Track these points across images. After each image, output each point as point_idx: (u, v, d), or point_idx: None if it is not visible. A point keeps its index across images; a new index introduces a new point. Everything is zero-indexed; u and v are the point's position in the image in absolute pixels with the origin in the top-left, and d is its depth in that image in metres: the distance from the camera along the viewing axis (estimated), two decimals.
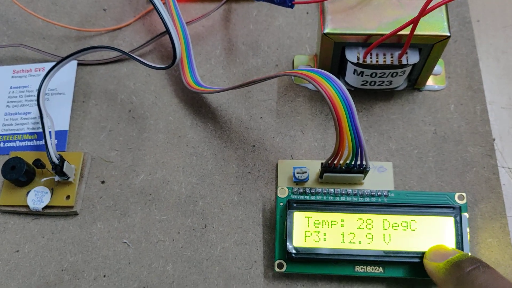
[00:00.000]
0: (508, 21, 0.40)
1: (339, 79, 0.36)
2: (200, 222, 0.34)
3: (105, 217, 0.35)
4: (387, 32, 0.31)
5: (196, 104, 0.38)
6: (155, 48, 0.40)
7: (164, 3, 0.38)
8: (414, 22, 0.30)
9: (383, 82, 0.34)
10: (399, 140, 0.35)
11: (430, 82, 0.37)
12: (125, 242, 0.34)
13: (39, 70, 0.40)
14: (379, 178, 0.34)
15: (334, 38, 0.32)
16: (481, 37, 0.39)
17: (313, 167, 0.34)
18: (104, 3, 0.43)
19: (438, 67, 0.37)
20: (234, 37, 0.40)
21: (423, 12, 0.29)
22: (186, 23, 0.39)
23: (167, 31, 0.32)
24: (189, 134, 0.37)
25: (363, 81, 0.34)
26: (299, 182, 0.34)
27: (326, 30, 0.32)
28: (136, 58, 0.35)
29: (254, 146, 0.36)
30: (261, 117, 0.37)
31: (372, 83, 0.34)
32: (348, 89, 0.36)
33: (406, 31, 0.30)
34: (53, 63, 0.36)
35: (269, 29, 0.40)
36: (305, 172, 0.34)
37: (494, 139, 0.36)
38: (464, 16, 0.40)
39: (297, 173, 0.34)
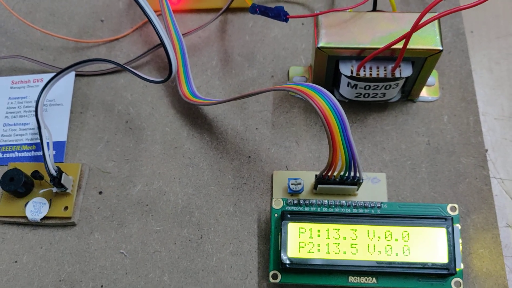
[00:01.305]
0: (501, 31, 0.40)
1: (334, 91, 0.37)
2: (196, 233, 0.35)
3: (103, 227, 0.35)
4: (380, 46, 0.31)
5: (193, 115, 0.38)
6: (152, 59, 0.41)
7: (160, 15, 0.38)
8: (407, 37, 0.30)
9: (377, 94, 0.35)
10: (392, 151, 0.36)
11: (424, 93, 0.38)
12: (122, 253, 0.34)
13: (38, 81, 0.40)
14: (372, 189, 0.34)
15: (328, 52, 0.33)
16: (474, 48, 0.40)
17: (308, 178, 0.35)
18: (102, 14, 0.43)
19: (432, 78, 0.38)
20: (230, 48, 0.41)
21: (415, 27, 0.29)
22: (183, 34, 0.40)
23: (163, 46, 0.32)
24: (185, 145, 0.37)
25: (357, 93, 0.35)
26: (293, 193, 0.34)
27: (320, 44, 0.32)
28: (133, 72, 0.35)
29: (249, 157, 0.37)
30: (256, 128, 0.37)
31: (366, 95, 0.35)
32: (342, 101, 0.37)
33: (399, 45, 0.31)
34: (52, 74, 0.37)
35: (265, 41, 0.41)
36: (300, 184, 0.34)
37: (486, 150, 0.36)
38: (458, 27, 0.40)
39: (292, 184, 0.34)
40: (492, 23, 0.40)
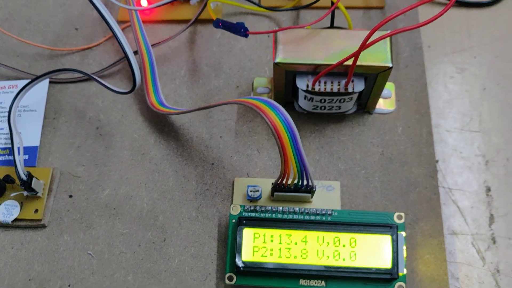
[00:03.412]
0: (457, 47, 0.42)
1: (294, 103, 0.39)
2: (160, 236, 0.36)
3: (72, 229, 0.37)
4: (334, 62, 0.33)
5: (160, 123, 0.40)
6: (124, 68, 0.43)
7: (129, 26, 0.40)
8: (356, 55, 0.32)
9: (333, 107, 0.36)
10: (348, 160, 0.38)
11: (381, 105, 0.39)
12: (90, 254, 0.36)
13: (13, 87, 0.42)
14: (327, 196, 0.36)
15: (285, 67, 0.34)
16: (431, 62, 0.42)
17: (267, 185, 0.37)
18: (76, 23, 0.45)
19: (388, 91, 0.40)
20: (198, 59, 0.42)
21: (363, 46, 0.31)
22: (154, 44, 0.42)
23: (127, 60, 0.34)
24: (152, 152, 0.39)
25: (313, 106, 0.36)
26: (252, 199, 0.36)
27: (277, 60, 0.34)
28: (100, 82, 0.37)
29: (213, 164, 0.38)
30: (220, 136, 0.39)
31: (323, 108, 0.37)
32: (301, 112, 0.39)
33: (351, 62, 0.33)
34: (26, 81, 0.39)
35: (232, 52, 0.42)
36: (258, 191, 0.36)
37: (437, 161, 0.38)
38: (416, 42, 0.42)
39: (250, 191, 0.36)
40: (448, 38, 0.42)
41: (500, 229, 0.36)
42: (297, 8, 0.43)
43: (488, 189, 0.37)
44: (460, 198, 0.37)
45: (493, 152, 0.38)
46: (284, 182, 0.33)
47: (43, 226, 0.37)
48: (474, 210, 0.37)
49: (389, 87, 0.40)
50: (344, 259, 0.33)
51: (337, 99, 0.35)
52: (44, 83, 0.41)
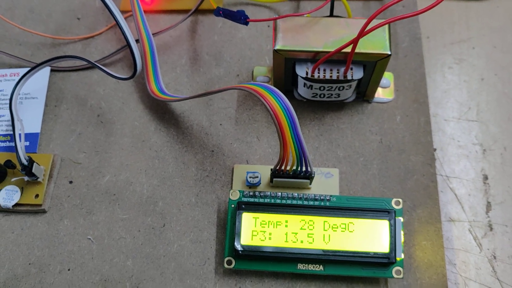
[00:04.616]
0: (455, 37, 0.42)
1: (293, 91, 0.39)
2: (159, 221, 0.37)
3: (72, 214, 0.37)
4: (332, 50, 0.34)
5: (161, 110, 0.40)
6: (125, 56, 0.43)
7: (131, 15, 0.40)
8: (354, 42, 0.32)
9: (332, 94, 0.37)
10: (347, 148, 0.38)
11: (379, 94, 0.40)
12: (89, 239, 0.37)
13: (14, 75, 0.42)
14: (325, 183, 0.37)
15: (284, 54, 0.35)
16: (430, 52, 0.42)
17: (266, 172, 0.37)
18: (78, 12, 0.45)
19: (387, 81, 0.40)
20: (199, 47, 0.43)
21: (361, 33, 0.32)
22: (155, 33, 0.42)
23: (129, 46, 0.34)
24: (152, 139, 0.39)
25: (313, 93, 0.37)
26: (251, 185, 0.37)
27: (277, 47, 0.34)
28: (101, 68, 0.37)
29: (213, 151, 0.39)
30: (220, 124, 0.40)
31: (322, 96, 0.37)
32: (301, 100, 0.39)
33: (349, 49, 0.33)
34: (28, 69, 0.39)
35: (232, 41, 0.43)
36: (257, 177, 0.36)
37: (435, 149, 0.38)
38: (415, 32, 0.42)
39: (250, 177, 0.36)
40: (447, 29, 0.43)
41: (497, 217, 0.36)
42: None
43: (485, 177, 0.37)
44: (458, 186, 0.37)
45: (490, 141, 0.39)
46: (283, 167, 0.33)
47: (43, 211, 0.37)
48: (471, 198, 0.37)
49: (388, 77, 0.40)
50: (342, 244, 0.33)
51: (336, 87, 0.36)
52: (46, 71, 0.42)
